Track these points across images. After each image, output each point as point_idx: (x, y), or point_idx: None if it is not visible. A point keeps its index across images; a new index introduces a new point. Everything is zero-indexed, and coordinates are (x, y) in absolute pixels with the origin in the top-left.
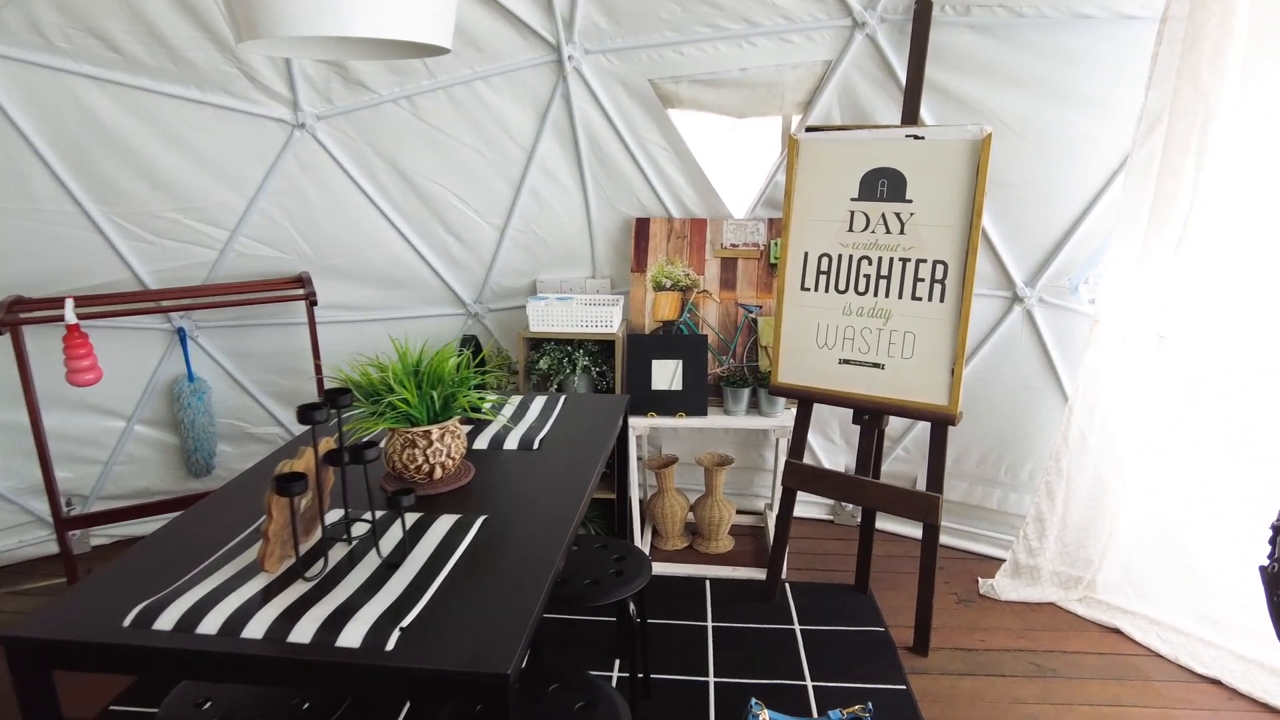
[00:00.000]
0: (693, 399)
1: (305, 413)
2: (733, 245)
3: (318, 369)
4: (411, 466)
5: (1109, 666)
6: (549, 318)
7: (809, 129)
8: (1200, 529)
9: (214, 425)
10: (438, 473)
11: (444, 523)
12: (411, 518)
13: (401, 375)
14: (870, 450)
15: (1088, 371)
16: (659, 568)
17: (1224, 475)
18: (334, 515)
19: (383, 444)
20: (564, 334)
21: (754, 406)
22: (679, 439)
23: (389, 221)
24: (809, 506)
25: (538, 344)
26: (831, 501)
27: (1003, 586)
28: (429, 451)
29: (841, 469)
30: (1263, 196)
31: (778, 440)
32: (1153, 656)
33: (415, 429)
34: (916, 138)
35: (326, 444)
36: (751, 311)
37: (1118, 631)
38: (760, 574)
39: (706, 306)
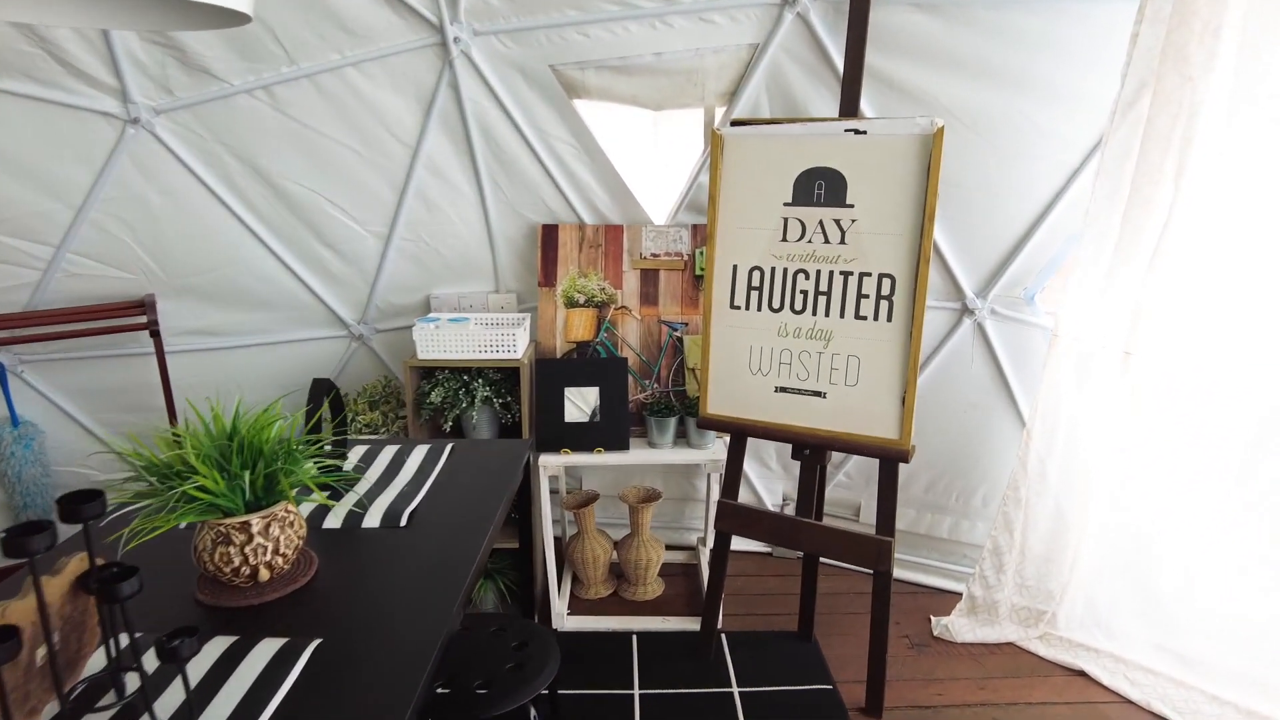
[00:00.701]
0: (612, 431)
1: (15, 541)
2: (653, 255)
3: (169, 410)
4: (227, 569)
5: (1078, 718)
6: (440, 343)
7: (734, 123)
8: (1168, 560)
9: (49, 475)
10: (263, 574)
11: (260, 654)
12: (212, 652)
13: (203, 451)
14: (812, 489)
15: (1047, 391)
16: (579, 622)
17: (1194, 504)
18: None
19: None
20: (459, 361)
21: (682, 436)
22: (601, 472)
23: (252, 233)
24: (741, 541)
25: (430, 373)
26: None
27: (958, 627)
28: (249, 549)
29: (780, 498)
30: (1252, 199)
31: (710, 475)
32: (1123, 703)
33: (229, 520)
34: (857, 132)
35: (76, 566)
36: (677, 330)
37: (1083, 674)
38: (694, 624)
39: (626, 324)
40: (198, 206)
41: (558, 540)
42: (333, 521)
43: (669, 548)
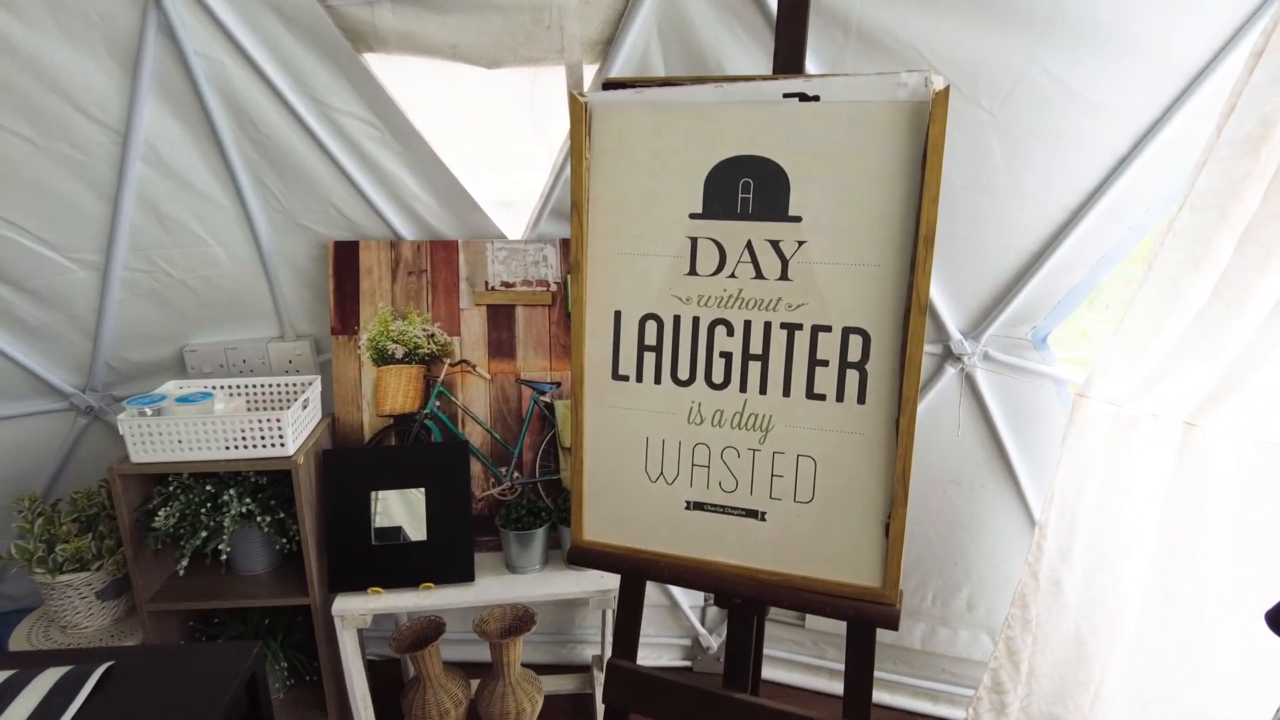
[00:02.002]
0: (449, 553)
1: None
2: (505, 285)
3: None
4: None
5: None
6: (162, 437)
7: (609, 84)
8: (1223, 693)
9: None
10: None
11: None
12: None
13: None
14: (746, 652)
15: (1067, 471)
16: None
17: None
18: None
19: None
20: (197, 464)
21: (556, 548)
22: None
23: None
24: (658, 649)
25: (162, 479)
26: (688, 640)
27: None
28: None
29: (701, 604)
30: None
31: (605, 614)
32: None
33: None
34: (805, 97)
35: None
36: (544, 392)
37: None
38: None
39: (469, 388)
40: None
41: (396, 690)
42: None
43: (554, 670)
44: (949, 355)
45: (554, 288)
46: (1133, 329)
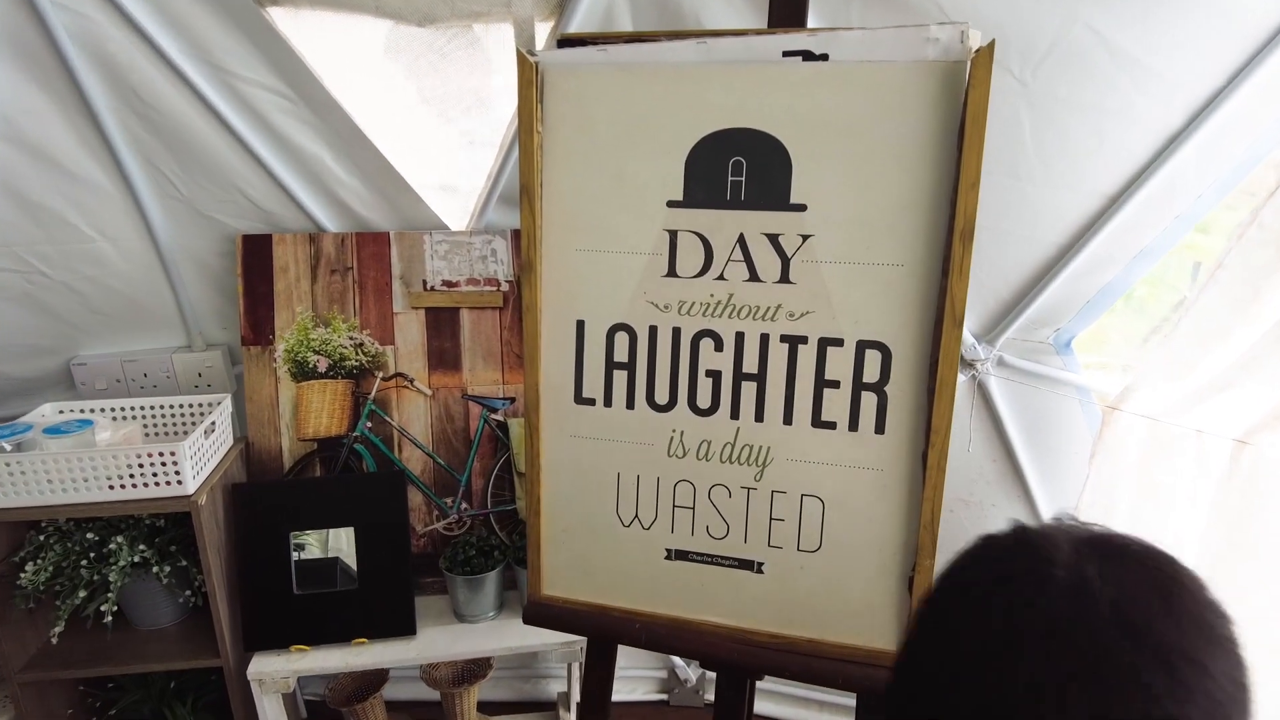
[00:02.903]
0: (386, 602)
1: None
2: (447, 284)
3: None
4: None
5: None
6: (26, 476)
7: (566, 41)
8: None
9: None
10: None
11: None
12: None
13: None
14: (740, 717)
15: (1095, 489)
16: None
17: None
18: None
19: None
20: (74, 508)
21: (513, 587)
22: None
23: None
24: (632, 682)
25: (35, 525)
26: (664, 672)
27: None
28: None
29: None
30: None
31: (570, 667)
32: None
33: None
34: (809, 56)
35: None
36: (496, 409)
37: None
38: None
39: (406, 406)
40: None
41: None
42: None
43: (516, 709)
44: (960, 361)
45: (505, 287)
46: (1189, 334)
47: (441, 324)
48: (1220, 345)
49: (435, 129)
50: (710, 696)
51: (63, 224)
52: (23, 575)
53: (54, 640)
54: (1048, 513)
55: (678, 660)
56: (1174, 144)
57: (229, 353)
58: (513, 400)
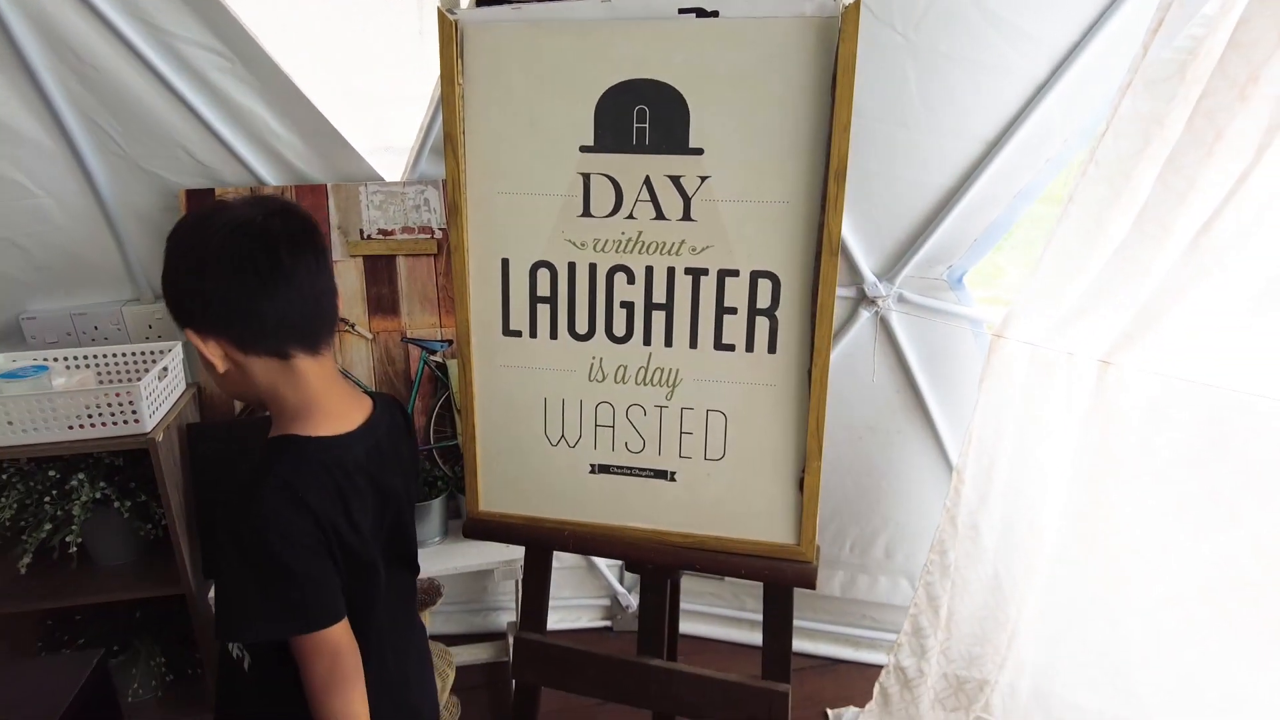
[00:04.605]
0: None
1: None
2: (383, 233)
3: None
4: None
5: None
6: None
7: (482, 0)
8: (1133, 621)
9: None
10: None
11: None
12: None
13: None
14: (661, 619)
15: (985, 413)
16: None
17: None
18: None
19: None
20: (35, 447)
21: (456, 516)
22: None
23: None
24: (576, 610)
25: None
26: (607, 600)
27: None
28: None
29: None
30: None
31: (518, 580)
32: None
33: None
34: (702, 12)
35: None
36: (435, 351)
37: None
38: None
39: (348, 349)
40: None
41: None
42: None
43: (467, 640)
44: (863, 299)
45: (439, 235)
46: (1051, 265)
47: (379, 271)
48: (1078, 273)
49: (369, 86)
50: None
51: (4, 181)
52: None
53: (22, 571)
54: (948, 437)
55: (619, 588)
56: (1040, 93)
57: None
58: (450, 343)
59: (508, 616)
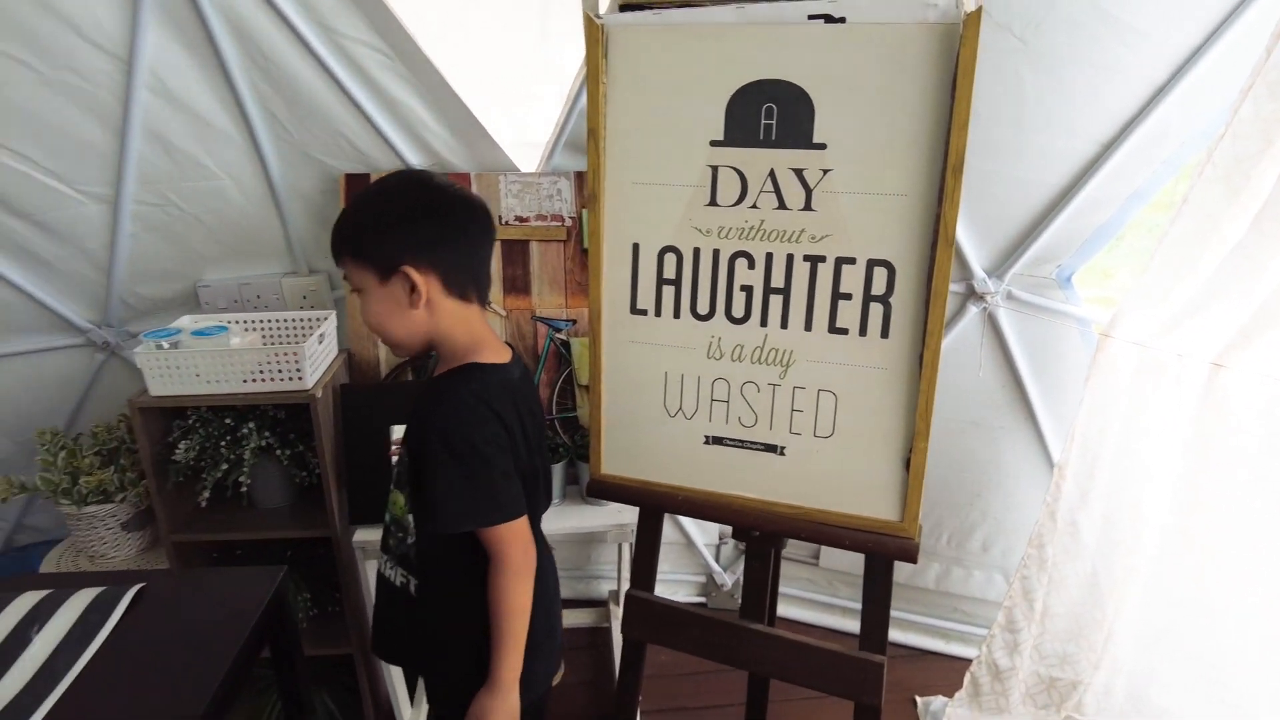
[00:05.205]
0: None
1: None
2: (519, 219)
3: None
4: None
5: None
6: (180, 370)
7: (626, 6)
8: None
9: None
10: None
11: None
12: None
13: None
14: (763, 585)
15: (1089, 411)
16: None
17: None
18: None
19: None
20: (216, 397)
21: (574, 482)
22: None
23: None
24: (673, 585)
25: (181, 412)
26: (703, 577)
27: (957, 718)
28: None
29: (715, 538)
30: None
31: (621, 549)
32: None
33: None
34: (830, 19)
35: None
36: (560, 329)
37: None
38: None
39: None
40: None
41: None
42: None
43: (571, 605)
44: (971, 294)
45: (569, 223)
46: (1163, 265)
47: (514, 254)
48: (1190, 274)
49: (510, 83)
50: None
51: (195, 164)
52: (176, 452)
53: (202, 505)
54: (1050, 435)
55: (715, 566)
56: (1159, 96)
57: (330, 279)
58: (574, 322)
59: (608, 585)
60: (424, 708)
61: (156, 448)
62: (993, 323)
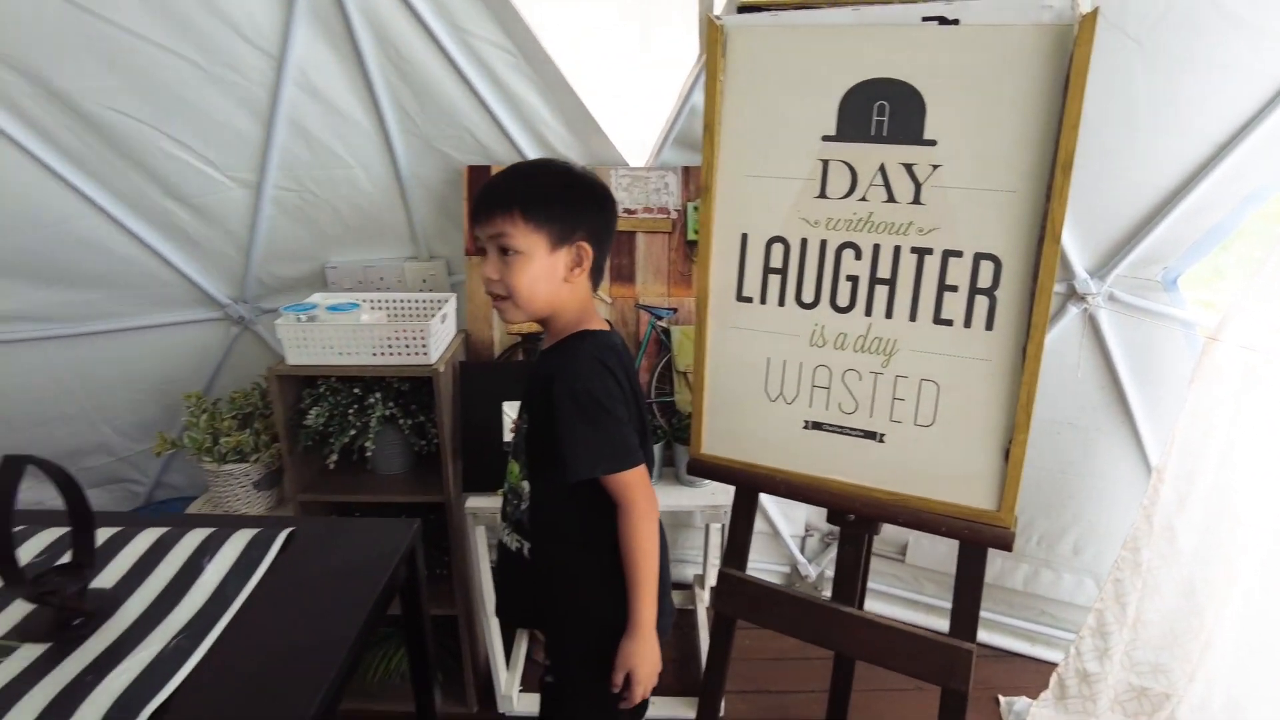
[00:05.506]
0: None
1: None
2: (627, 212)
3: None
4: None
5: None
6: (317, 342)
7: (744, 8)
8: None
9: None
10: None
11: None
12: None
13: None
14: (856, 568)
15: (1192, 416)
16: (535, 703)
17: None
18: None
19: None
20: (347, 368)
21: (670, 465)
22: None
23: (61, 180)
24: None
25: (311, 381)
26: (787, 568)
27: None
28: None
29: (801, 529)
30: None
31: (707, 533)
32: None
33: None
34: (944, 21)
35: None
36: (661, 317)
37: None
38: (686, 708)
39: None
40: None
41: None
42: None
43: None
44: (1072, 294)
45: (674, 215)
46: (1275, 270)
47: (621, 244)
48: None
49: (625, 79)
50: (828, 593)
51: (331, 154)
52: (307, 418)
53: (331, 466)
54: (1149, 439)
55: (800, 557)
56: (1276, 100)
57: (448, 264)
58: (675, 310)
59: (694, 569)
60: (519, 672)
61: (289, 413)
62: (1093, 324)
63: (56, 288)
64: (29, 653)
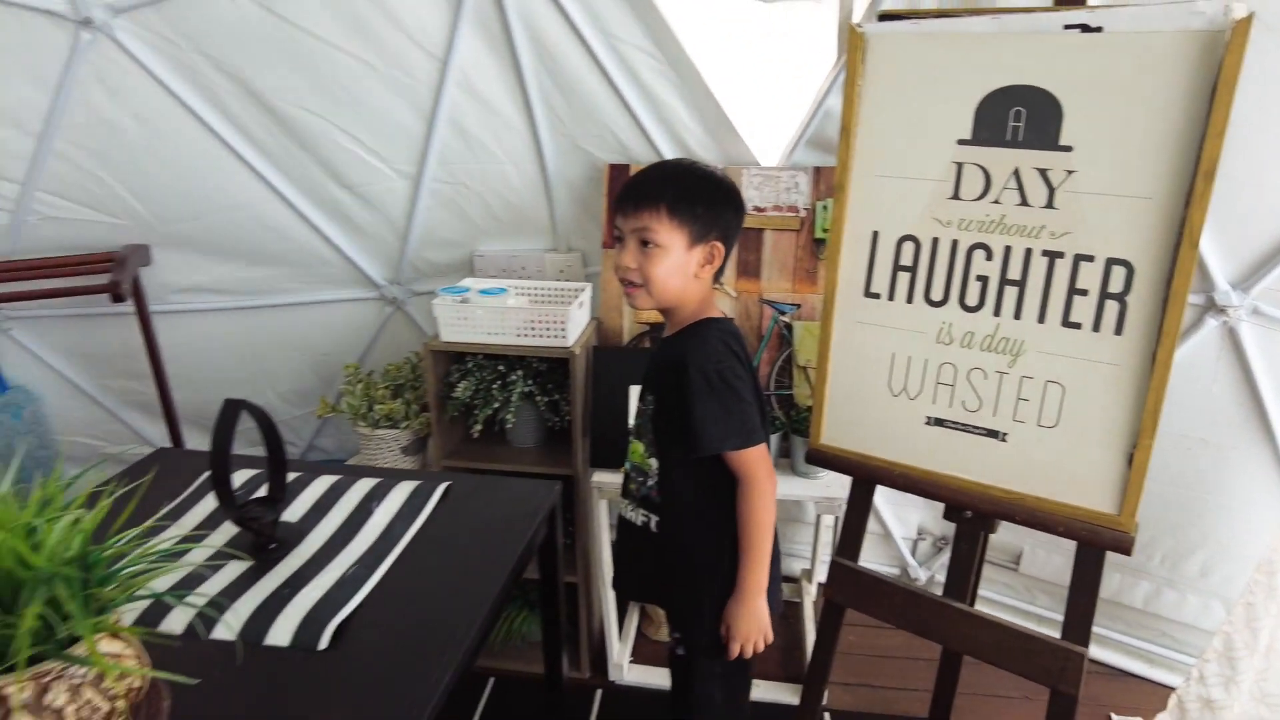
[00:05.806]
0: None
1: None
2: (757, 209)
3: (158, 380)
4: None
5: None
6: (468, 322)
7: (884, 15)
8: None
9: (47, 447)
10: None
11: None
12: None
13: None
14: (970, 565)
15: None
16: (643, 674)
17: None
18: None
19: None
20: (493, 347)
21: (785, 456)
22: None
23: (251, 170)
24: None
25: (459, 358)
26: (897, 570)
27: None
28: None
29: (914, 531)
30: None
31: (819, 518)
32: None
33: None
34: (1086, 28)
35: None
36: (784, 313)
37: None
38: (790, 694)
39: (719, 303)
40: (181, 135)
41: None
42: (225, 631)
43: None
44: (1211, 306)
45: (803, 214)
46: None
47: (749, 241)
48: None
49: (761, 83)
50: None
51: (485, 150)
52: (455, 391)
53: (475, 436)
54: None
55: (910, 559)
56: None
57: (584, 257)
58: (799, 306)
59: (801, 564)
60: (630, 643)
61: (439, 385)
62: (1233, 337)
63: (238, 264)
64: (238, 565)
